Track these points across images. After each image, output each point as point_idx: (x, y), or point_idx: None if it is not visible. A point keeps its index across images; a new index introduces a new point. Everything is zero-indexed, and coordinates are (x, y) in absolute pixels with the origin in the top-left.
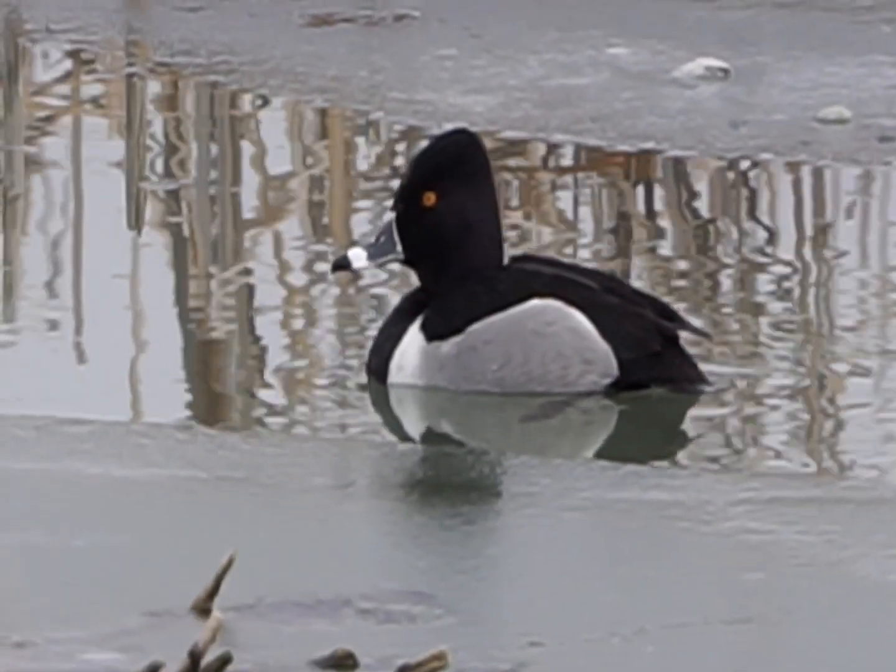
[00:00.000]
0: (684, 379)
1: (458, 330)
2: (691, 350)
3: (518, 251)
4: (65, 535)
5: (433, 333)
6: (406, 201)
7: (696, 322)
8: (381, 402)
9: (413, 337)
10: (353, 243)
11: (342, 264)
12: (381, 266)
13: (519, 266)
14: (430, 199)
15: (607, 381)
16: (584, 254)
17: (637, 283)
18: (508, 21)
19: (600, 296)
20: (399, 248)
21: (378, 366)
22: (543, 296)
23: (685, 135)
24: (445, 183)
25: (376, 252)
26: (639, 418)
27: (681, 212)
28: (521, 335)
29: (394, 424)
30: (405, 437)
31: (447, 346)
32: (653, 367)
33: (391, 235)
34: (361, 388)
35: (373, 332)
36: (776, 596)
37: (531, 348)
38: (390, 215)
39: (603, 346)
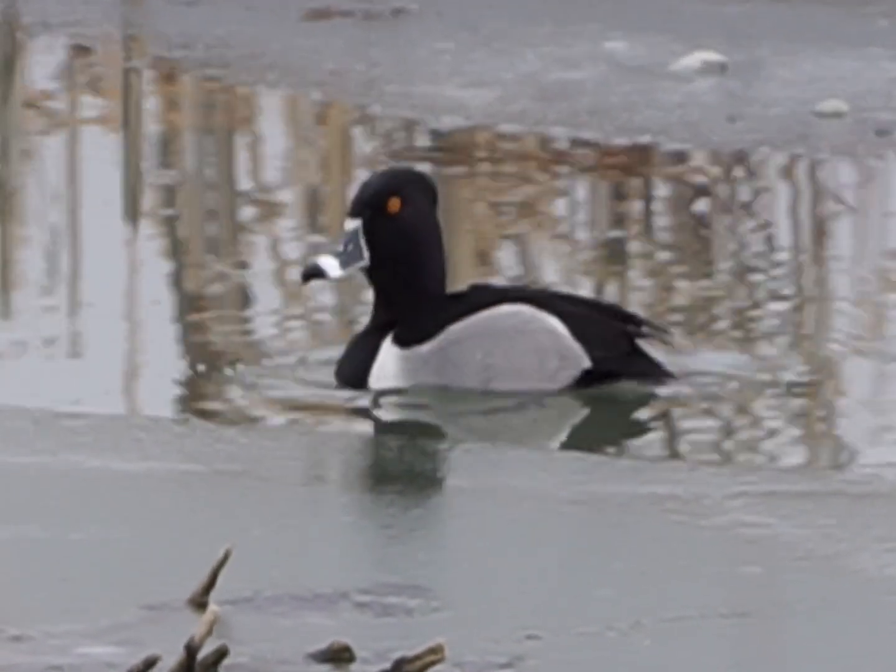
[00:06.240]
0: (651, 374)
1: (430, 335)
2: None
3: (514, 245)
4: (62, 529)
5: (408, 341)
6: (372, 208)
7: (692, 315)
8: (363, 402)
9: (388, 350)
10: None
11: (315, 273)
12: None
13: (479, 288)
14: (394, 204)
15: (581, 375)
16: (579, 248)
17: (633, 276)
18: (505, 15)
19: (566, 304)
20: (366, 254)
21: (353, 374)
22: (514, 302)
23: (682, 128)
24: (408, 189)
25: (347, 260)
26: (628, 414)
27: (677, 205)
28: (503, 332)
29: (377, 422)
30: (389, 433)
31: (426, 346)
32: (622, 363)
33: (358, 243)
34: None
35: None
36: (773, 589)
37: (512, 344)
38: (353, 224)
39: (576, 344)
